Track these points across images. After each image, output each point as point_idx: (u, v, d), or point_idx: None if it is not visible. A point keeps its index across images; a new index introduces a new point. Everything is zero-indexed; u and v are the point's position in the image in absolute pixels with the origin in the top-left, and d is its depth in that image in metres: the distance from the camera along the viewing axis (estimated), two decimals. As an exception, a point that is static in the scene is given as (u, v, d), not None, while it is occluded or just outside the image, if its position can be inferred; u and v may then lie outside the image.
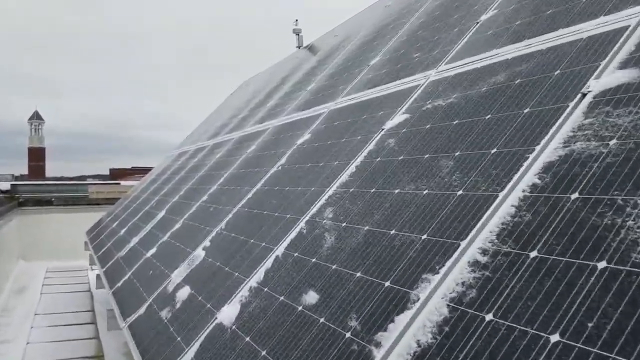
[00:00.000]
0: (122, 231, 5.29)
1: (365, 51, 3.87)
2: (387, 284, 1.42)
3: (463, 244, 1.32)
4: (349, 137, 2.60)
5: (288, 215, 2.36)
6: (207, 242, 2.97)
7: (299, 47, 6.95)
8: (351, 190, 2.08)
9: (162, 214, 4.60)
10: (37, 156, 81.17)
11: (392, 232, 1.60)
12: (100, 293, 6.90)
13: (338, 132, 2.80)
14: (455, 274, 1.27)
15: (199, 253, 2.91)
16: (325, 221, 2.02)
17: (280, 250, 2.13)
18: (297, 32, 6.83)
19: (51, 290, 7.35)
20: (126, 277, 3.71)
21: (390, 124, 2.31)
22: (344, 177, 2.25)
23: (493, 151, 1.57)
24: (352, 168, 2.26)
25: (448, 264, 1.30)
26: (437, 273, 1.30)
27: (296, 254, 1.99)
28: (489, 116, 1.75)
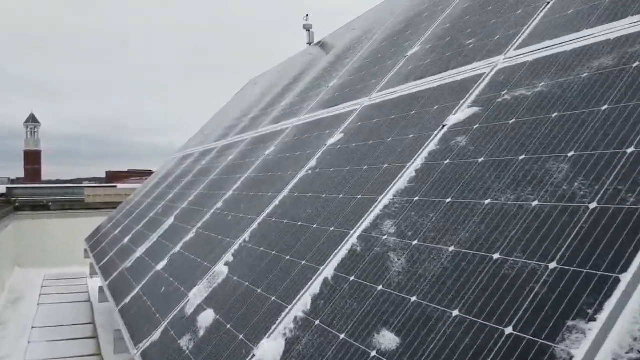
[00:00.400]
0: (126, 239, 4.91)
1: (396, 42, 3.51)
2: (509, 330, 1.05)
3: (623, 277, 0.96)
4: (397, 137, 2.24)
5: (331, 228, 2.00)
6: (229, 257, 2.60)
7: (309, 43, 6.59)
8: (415, 199, 1.72)
9: (170, 221, 4.22)
10: (33, 159, 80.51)
11: (496, 256, 1.24)
12: (101, 305, 6.53)
13: (380, 131, 2.44)
14: (623, 323, 0.91)
15: (221, 269, 2.54)
16: (386, 237, 1.66)
17: (328, 271, 1.76)
18: (307, 28, 6.47)
19: (49, 300, 6.97)
20: (134, 292, 3.34)
21: (454, 119, 1.95)
22: (401, 183, 1.88)
23: (629, 150, 1.21)
24: (410, 172, 1.89)
25: (607, 307, 0.94)
26: (593, 320, 0.94)
27: (352, 278, 1.62)
28: (605, 107, 1.39)
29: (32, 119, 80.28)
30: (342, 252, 1.80)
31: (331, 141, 2.84)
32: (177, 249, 3.42)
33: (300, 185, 2.67)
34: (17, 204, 9.38)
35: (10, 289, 8.07)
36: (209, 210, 3.65)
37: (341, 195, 2.19)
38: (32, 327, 5.76)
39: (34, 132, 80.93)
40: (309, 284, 1.79)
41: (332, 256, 1.82)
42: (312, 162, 2.81)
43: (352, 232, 1.86)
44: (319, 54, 5.65)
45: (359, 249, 1.74)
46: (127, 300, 3.31)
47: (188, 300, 2.52)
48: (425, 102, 2.31)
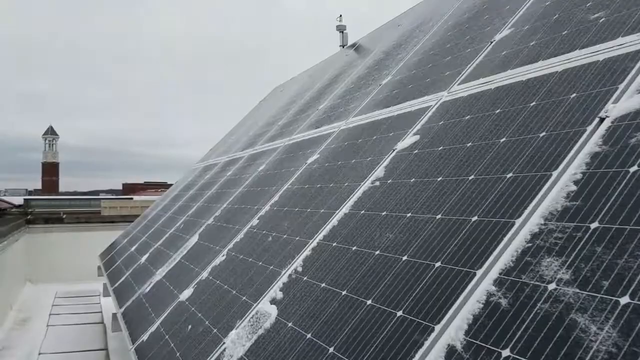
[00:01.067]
0: (143, 258, 4.35)
1: (469, 29, 2.92)
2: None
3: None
4: (514, 136, 1.65)
5: (437, 264, 1.41)
6: (276, 292, 2.01)
7: (343, 45, 6.04)
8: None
9: (194, 239, 3.66)
10: (50, 171, 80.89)
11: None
12: (115, 328, 5.98)
13: (488, 128, 1.84)
14: None
15: (267, 309, 1.95)
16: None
17: (449, 335, 1.17)
18: (341, 30, 5.93)
19: (59, 322, 6.42)
20: (153, 328, 2.76)
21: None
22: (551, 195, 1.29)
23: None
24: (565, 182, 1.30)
25: None
26: None
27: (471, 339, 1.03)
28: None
29: (51, 131, 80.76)
30: (469, 305, 1.20)
31: (402, 145, 2.25)
32: (205, 274, 2.84)
33: (366, 201, 2.08)
34: (29, 217, 8.89)
35: (20, 307, 7.55)
36: (242, 228, 3.08)
37: (438, 216, 1.59)
38: (40, 354, 5.20)
39: (52, 144, 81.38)
40: (419, 347, 1.19)
41: (451, 309, 1.22)
42: (379, 172, 2.22)
43: (478, 274, 1.26)
44: (356, 55, 5.09)
45: (479, 306, 1.14)
46: (145, 337, 2.73)
47: (225, 350, 1.93)
48: (556, 90, 1.71)
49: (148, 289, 3.50)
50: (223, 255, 2.89)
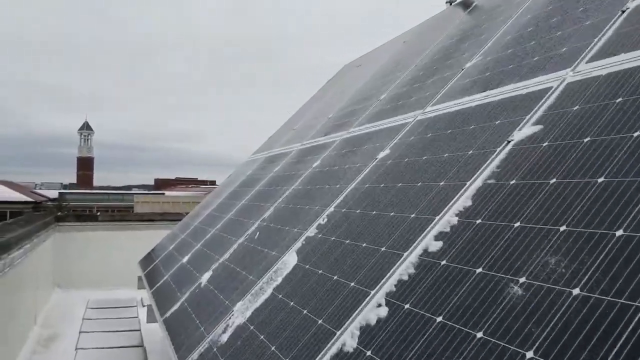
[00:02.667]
0: (204, 279, 3.09)
1: None
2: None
3: None
4: None
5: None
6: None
7: (450, 2, 4.72)
8: None
9: (290, 260, 2.38)
10: (85, 165, 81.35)
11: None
12: (156, 348, 4.78)
13: None
14: None
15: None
16: None
17: None
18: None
19: (90, 343, 5.26)
20: None
21: None
22: None
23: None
24: None
25: None
26: None
27: None
28: None
29: (86, 127, 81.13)
30: None
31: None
32: (346, 337, 1.56)
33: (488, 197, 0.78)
34: (59, 213, 7.78)
35: (46, 319, 6.42)
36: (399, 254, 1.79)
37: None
38: (65, 392, 4.03)
39: (88, 139, 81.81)
40: None
41: None
42: (493, 164, 0.91)
43: None
44: (475, 14, 3.75)
45: None
46: None
47: None
48: None
49: (224, 334, 2.23)
50: (375, 301, 1.60)
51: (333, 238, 2.21)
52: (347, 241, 2.08)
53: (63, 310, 6.71)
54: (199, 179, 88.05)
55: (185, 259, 3.92)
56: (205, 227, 4.37)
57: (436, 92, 2.88)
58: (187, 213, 8.42)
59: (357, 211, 2.27)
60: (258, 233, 3.03)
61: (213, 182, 78.16)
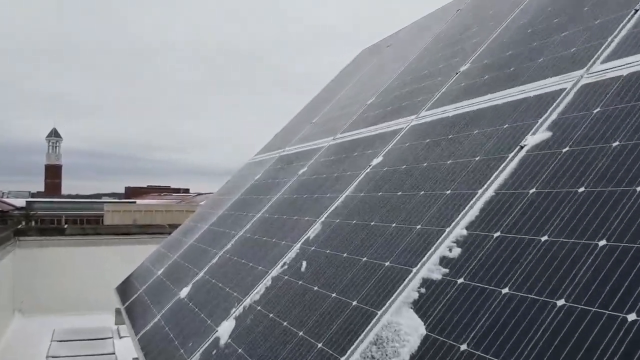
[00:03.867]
0: (223, 331, 2.10)
1: None
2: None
3: None
4: None
5: None
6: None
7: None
8: None
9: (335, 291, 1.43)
10: (53, 173, 78.53)
11: None
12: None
13: None
14: None
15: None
16: None
17: None
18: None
19: (55, 392, 4.20)
20: None
21: None
22: None
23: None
24: None
25: None
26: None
27: None
28: None
29: (55, 134, 78.39)
30: None
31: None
32: None
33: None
34: (19, 226, 6.61)
35: (1, 355, 5.27)
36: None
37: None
38: None
39: (56, 146, 79.03)
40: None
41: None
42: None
43: None
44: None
45: None
46: None
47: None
48: None
49: None
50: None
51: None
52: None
53: (23, 343, 5.57)
54: (171, 186, 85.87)
55: (183, 293, 2.90)
56: (208, 248, 3.35)
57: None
58: (169, 225, 7.34)
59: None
60: (305, 264, 2.04)
61: (187, 190, 76.25)
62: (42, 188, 79.24)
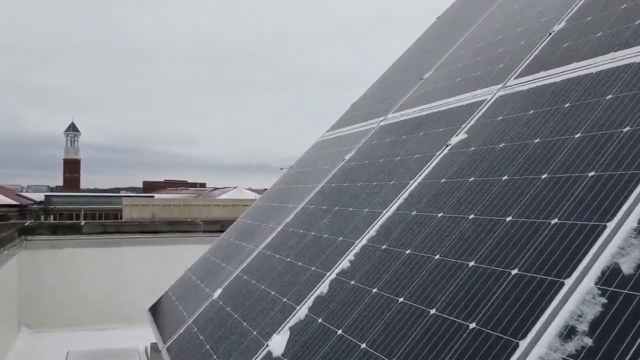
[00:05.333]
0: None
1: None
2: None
3: None
4: None
5: None
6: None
7: None
8: None
9: None
10: (72, 168, 78.07)
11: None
12: None
13: None
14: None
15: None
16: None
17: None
18: None
19: None
20: None
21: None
22: None
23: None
24: None
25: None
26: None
27: None
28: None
29: (73, 128, 77.74)
30: None
31: None
32: None
33: None
34: (25, 224, 5.41)
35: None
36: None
37: None
38: None
39: (74, 140, 78.48)
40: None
41: None
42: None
43: None
44: None
45: None
46: None
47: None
48: None
49: None
50: None
51: None
52: None
53: (29, 370, 4.38)
54: (188, 181, 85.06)
55: (277, 346, 1.64)
56: (299, 263, 2.08)
57: None
58: (204, 221, 6.10)
59: None
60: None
61: (203, 185, 75.34)
62: (61, 182, 78.95)
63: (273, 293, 2.02)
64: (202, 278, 2.91)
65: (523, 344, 0.91)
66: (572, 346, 0.83)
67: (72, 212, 38.75)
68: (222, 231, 6.23)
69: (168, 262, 4.94)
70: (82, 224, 5.62)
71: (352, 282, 1.62)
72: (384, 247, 1.66)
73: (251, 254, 2.64)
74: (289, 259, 2.20)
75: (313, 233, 2.25)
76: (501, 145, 1.61)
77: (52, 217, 33.94)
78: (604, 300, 0.86)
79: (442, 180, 1.72)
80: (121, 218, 24.91)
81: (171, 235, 5.82)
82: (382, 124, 2.85)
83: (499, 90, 2.02)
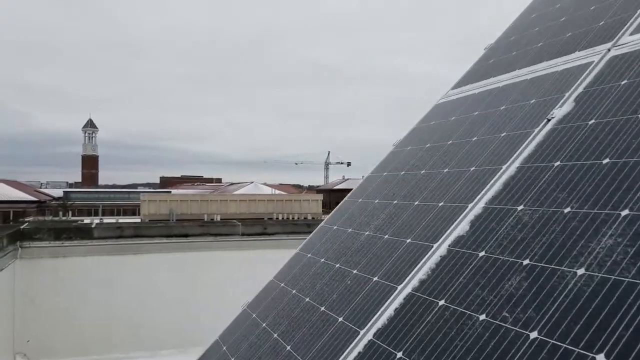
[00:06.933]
0: None
1: None
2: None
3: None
4: None
5: None
6: None
7: None
8: None
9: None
10: (90, 164, 77.57)
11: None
12: None
13: None
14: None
15: None
16: None
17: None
18: None
19: None
20: None
21: None
22: None
23: None
24: None
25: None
26: None
27: None
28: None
29: (90, 124, 77.07)
30: None
31: None
32: None
33: None
34: (22, 228, 4.20)
35: None
36: None
37: None
38: None
39: (92, 137, 77.92)
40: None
41: None
42: None
43: None
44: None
45: None
46: None
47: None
48: None
49: None
50: None
51: None
52: None
53: None
54: (204, 176, 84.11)
55: None
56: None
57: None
58: (241, 220, 4.86)
59: None
60: None
61: (219, 180, 74.32)
62: (79, 179, 78.56)
63: None
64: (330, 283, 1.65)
65: None
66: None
67: (90, 208, 37.97)
68: (266, 233, 4.87)
69: (205, 274, 3.74)
70: (93, 226, 4.40)
71: None
72: None
73: (368, 283, 1.37)
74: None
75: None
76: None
77: (70, 213, 33.31)
78: None
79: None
80: (139, 214, 23.95)
81: (203, 239, 4.59)
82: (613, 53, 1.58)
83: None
